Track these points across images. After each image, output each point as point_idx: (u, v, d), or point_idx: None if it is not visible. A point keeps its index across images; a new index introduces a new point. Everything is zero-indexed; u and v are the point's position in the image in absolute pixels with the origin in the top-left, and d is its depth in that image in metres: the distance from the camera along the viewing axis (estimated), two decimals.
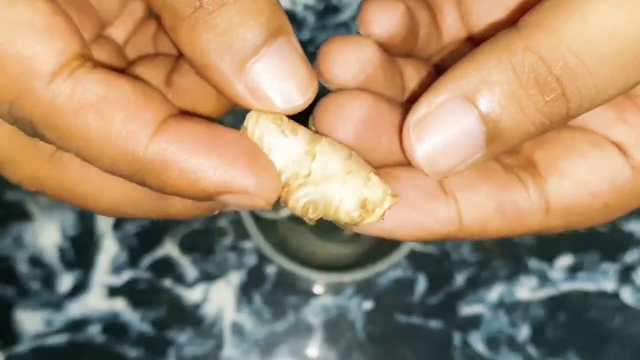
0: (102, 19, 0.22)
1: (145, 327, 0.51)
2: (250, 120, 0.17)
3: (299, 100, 0.17)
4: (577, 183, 0.19)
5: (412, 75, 0.21)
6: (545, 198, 0.19)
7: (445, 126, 0.17)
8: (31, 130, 0.16)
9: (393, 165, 0.19)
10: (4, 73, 0.15)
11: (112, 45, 0.22)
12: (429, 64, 0.22)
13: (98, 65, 0.16)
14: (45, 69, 0.15)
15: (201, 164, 0.16)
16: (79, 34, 0.16)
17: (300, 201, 0.17)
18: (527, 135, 0.17)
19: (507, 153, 0.20)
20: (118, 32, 0.23)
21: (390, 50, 0.21)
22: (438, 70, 0.22)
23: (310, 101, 0.17)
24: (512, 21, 0.17)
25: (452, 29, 0.23)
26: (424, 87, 0.18)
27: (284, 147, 0.17)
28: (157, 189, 0.16)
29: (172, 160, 0.16)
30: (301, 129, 0.18)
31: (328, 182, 0.17)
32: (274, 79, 0.17)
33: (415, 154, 0.17)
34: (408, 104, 0.18)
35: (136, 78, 0.17)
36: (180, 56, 0.22)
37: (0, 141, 0.18)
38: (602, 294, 0.53)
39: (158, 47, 0.23)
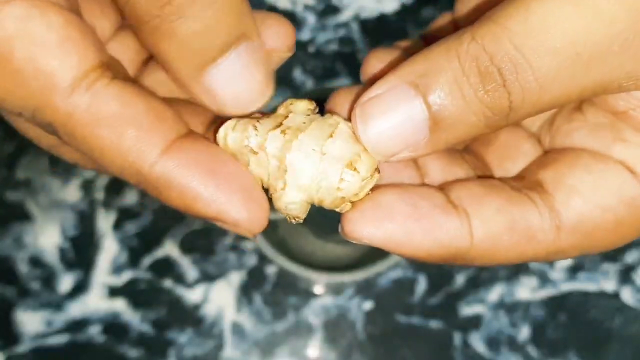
0: None
1: (146, 328, 0.51)
2: (226, 134, 0.18)
3: (249, 107, 0.18)
4: (586, 197, 0.18)
5: None
6: (556, 215, 0.18)
7: (389, 109, 0.17)
8: (52, 132, 0.17)
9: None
10: (27, 86, 0.16)
11: None
12: None
13: (117, 76, 0.17)
14: (63, 83, 0.16)
15: (199, 192, 0.17)
16: (97, 42, 0.17)
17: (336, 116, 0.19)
18: (471, 127, 0.17)
19: (512, 177, 0.20)
20: None
21: None
22: None
23: (263, 107, 0.18)
24: None
25: None
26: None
27: (267, 123, 0.18)
28: (158, 200, 0.17)
29: (173, 183, 0.17)
30: (251, 121, 0.18)
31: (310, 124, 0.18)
32: (229, 85, 0.18)
33: (360, 134, 0.18)
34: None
35: (151, 94, 0.17)
36: None
37: None
38: (602, 294, 0.53)
39: None
